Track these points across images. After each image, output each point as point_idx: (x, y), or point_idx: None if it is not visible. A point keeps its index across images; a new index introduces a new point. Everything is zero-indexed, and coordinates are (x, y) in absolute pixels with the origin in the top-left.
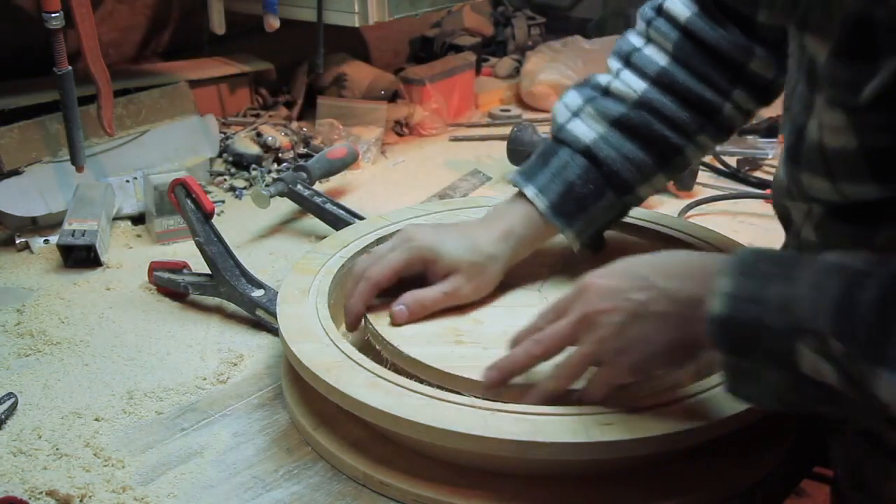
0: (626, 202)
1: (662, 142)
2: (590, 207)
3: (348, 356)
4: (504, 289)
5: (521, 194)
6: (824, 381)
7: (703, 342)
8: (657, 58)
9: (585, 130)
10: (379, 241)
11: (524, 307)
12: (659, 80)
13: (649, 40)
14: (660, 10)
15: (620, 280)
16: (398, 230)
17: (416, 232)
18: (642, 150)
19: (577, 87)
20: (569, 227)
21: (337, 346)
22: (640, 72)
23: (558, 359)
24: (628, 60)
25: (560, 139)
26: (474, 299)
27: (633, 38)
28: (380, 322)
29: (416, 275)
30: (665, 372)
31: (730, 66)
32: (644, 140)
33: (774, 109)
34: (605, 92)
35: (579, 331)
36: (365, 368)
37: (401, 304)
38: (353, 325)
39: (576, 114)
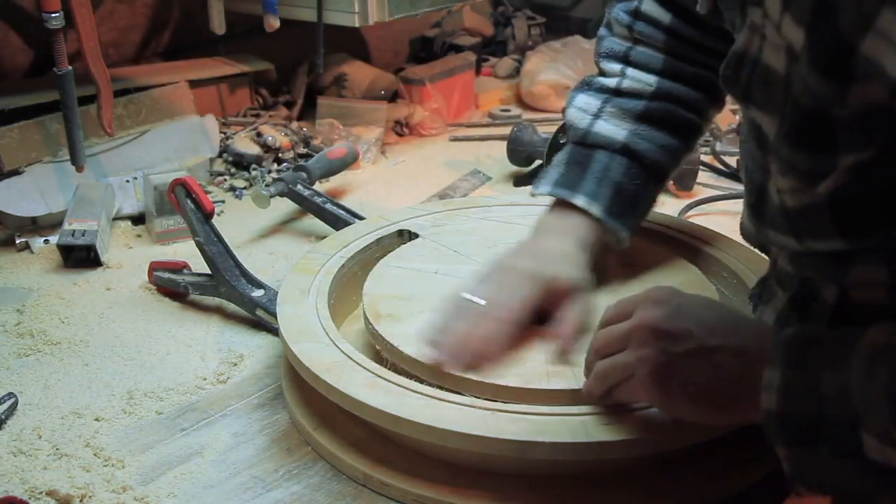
0: (660, 188)
1: (687, 125)
2: (639, 203)
3: (348, 356)
4: None
5: (564, 205)
6: (891, 465)
7: (745, 420)
8: (654, 53)
9: (615, 129)
10: (379, 241)
11: None
12: (666, 71)
13: (637, 41)
14: (637, 14)
15: (690, 315)
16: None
17: (518, 265)
18: (671, 136)
19: (583, 90)
20: (625, 228)
21: (337, 346)
22: (645, 67)
23: None
24: (627, 60)
25: (590, 143)
26: (576, 293)
27: (619, 41)
28: (380, 322)
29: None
30: (689, 419)
31: (722, 55)
32: (671, 127)
33: None
34: (618, 92)
35: (631, 337)
36: (365, 368)
37: (567, 340)
38: (474, 366)
39: (597, 115)
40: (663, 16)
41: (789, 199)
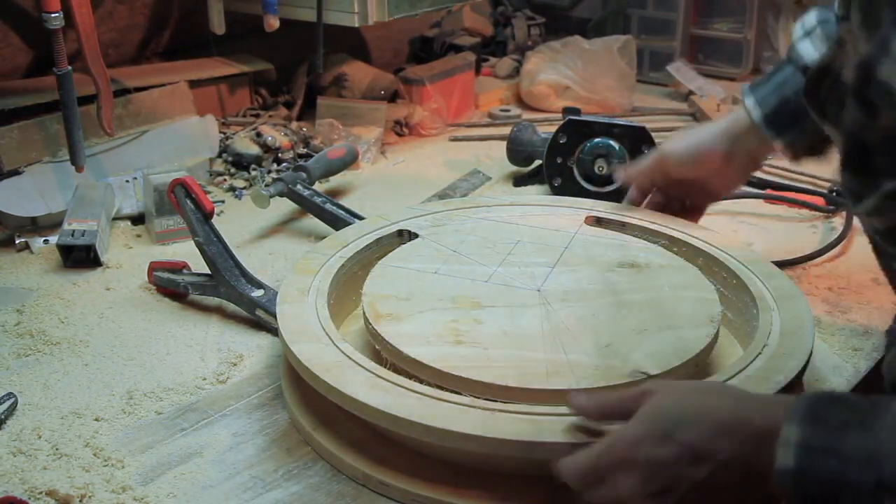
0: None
1: None
2: (802, 120)
3: (348, 356)
4: (503, 289)
5: None
6: None
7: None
8: None
9: (810, 50)
10: (379, 241)
11: (523, 307)
12: None
13: None
14: None
15: (671, 445)
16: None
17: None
18: None
19: (819, 8)
20: (778, 137)
21: (336, 346)
22: None
23: None
24: None
25: (789, 55)
26: (685, 173)
27: None
28: (380, 322)
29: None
30: None
31: None
32: None
33: None
34: (837, 17)
35: (613, 468)
36: (365, 368)
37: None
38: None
39: (808, 33)
40: None
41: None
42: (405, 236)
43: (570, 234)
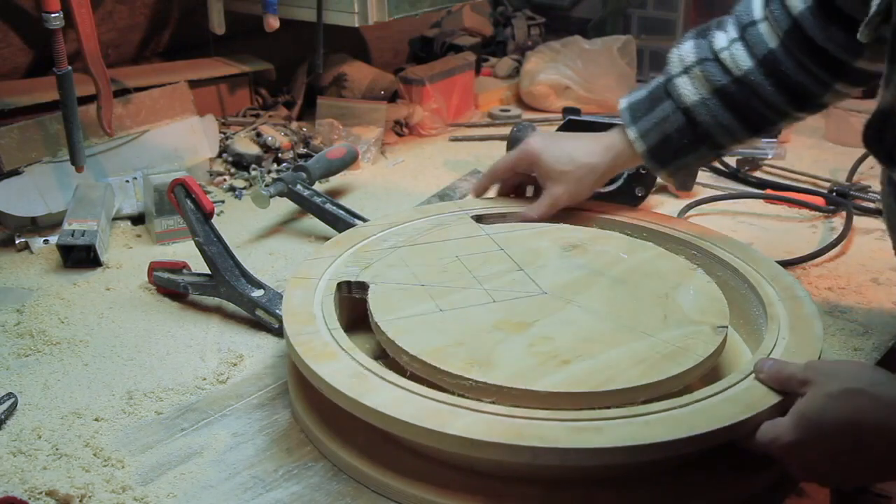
0: (718, 154)
1: (757, 117)
2: (683, 156)
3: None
4: (521, 303)
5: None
6: None
7: None
8: (768, 39)
9: (690, 91)
10: (340, 302)
11: (560, 312)
12: (765, 62)
13: (765, 17)
14: None
15: (819, 454)
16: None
17: (530, 138)
18: (737, 121)
19: (696, 38)
20: (662, 169)
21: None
22: (750, 49)
23: None
24: (744, 33)
25: (668, 90)
26: (572, 204)
27: (756, 8)
28: (473, 372)
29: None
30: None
31: (834, 64)
32: (740, 113)
33: None
34: (716, 58)
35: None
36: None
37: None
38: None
39: (686, 70)
40: (798, 4)
41: None
42: (343, 289)
43: (484, 235)
